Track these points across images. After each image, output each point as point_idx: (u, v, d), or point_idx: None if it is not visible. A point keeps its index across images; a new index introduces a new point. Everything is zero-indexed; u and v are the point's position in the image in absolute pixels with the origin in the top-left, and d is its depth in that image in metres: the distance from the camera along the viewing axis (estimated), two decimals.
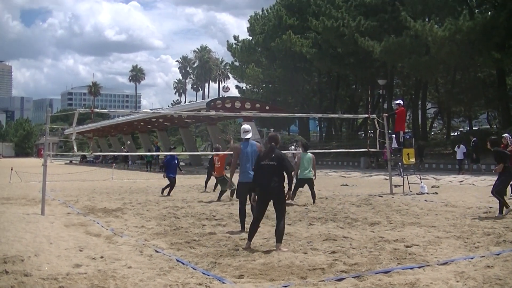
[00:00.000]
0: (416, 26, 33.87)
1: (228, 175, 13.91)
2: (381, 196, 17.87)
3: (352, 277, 6.78)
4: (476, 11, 35.77)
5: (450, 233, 10.03)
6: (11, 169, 27.64)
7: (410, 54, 36.26)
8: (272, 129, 77.15)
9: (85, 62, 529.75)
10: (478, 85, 41.81)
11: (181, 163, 22.59)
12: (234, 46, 59.75)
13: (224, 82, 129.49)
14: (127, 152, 56.41)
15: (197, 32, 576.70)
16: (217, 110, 37.59)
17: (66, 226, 11.51)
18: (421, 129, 46.29)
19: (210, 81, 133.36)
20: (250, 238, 9.00)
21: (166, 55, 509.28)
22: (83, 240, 9.69)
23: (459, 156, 30.87)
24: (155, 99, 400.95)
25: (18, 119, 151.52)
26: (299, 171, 15.97)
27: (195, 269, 7.38)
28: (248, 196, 10.21)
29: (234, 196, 15.63)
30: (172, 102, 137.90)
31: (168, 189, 19.40)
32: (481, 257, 7.87)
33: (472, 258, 7.80)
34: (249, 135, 10.97)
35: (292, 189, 9.12)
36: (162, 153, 47.71)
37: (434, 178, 26.50)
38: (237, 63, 62.95)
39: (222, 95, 51.45)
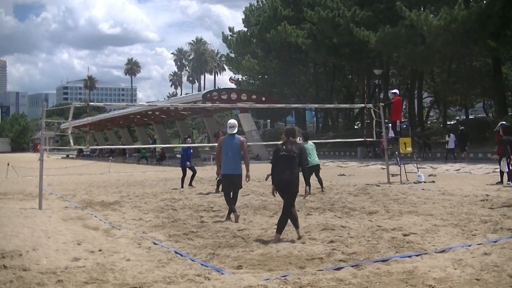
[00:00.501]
0: (411, 16, 33.82)
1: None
2: (379, 186, 17.91)
3: (351, 266, 6.80)
4: (471, 0, 35.74)
5: (448, 221, 10.06)
6: (8, 164, 27.62)
7: (405, 44, 36.22)
8: (269, 120, 77.49)
9: (80, 56, 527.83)
10: (474, 74, 41.83)
11: (177, 155, 22.58)
12: (229, 37, 59.60)
13: (220, 74, 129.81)
14: (125, 145, 56.33)
15: (192, 24, 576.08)
16: (213, 102, 37.53)
17: (64, 220, 11.50)
18: (417, 118, 46.29)
19: (205, 73, 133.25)
20: (296, 227, 8.95)
21: (161, 47, 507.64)
22: (81, 234, 9.69)
23: (450, 145, 31.10)
24: (151, 92, 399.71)
25: (13, 114, 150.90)
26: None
27: (193, 261, 7.39)
28: (229, 187, 11.04)
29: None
30: (168, 95, 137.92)
31: (190, 179, 19.52)
32: (478, 244, 7.90)
33: (469, 246, 7.83)
34: (234, 130, 11.29)
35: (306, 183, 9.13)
36: (159, 146, 47.81)
37: (431, 167, 26.54)
38: (232, 55, 62.86)
39: (218, 87, 51.38)
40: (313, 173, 16.15)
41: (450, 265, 6.77)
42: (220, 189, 16.02)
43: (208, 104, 35.08)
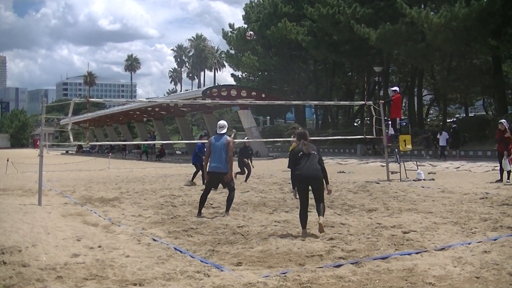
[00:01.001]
0: (412, 13, 33.78)
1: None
2: (378, 183, 17.91)
3: (350, 264, 6.79)
4: None
5: (447, 219, 10.06)
6: (7, 160, 27.60)
7: (406, 41, 36.20)
8: (269, 117, 77.45)
9: (79, 52, 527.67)
10: (474, 72, 41.76)
11: (177, 152, 22.54)
12: (229, 34, 59.57)
13: (220, 71, 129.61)
14: (125, 141, 56.34)
15: (191, 20, 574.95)
16: (213, 99, 37.53)
17: (63, 216, 11.50)
18: (417, 116, 46.29)
19: (205, 69, 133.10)
20: (304, 225, 9.02)
21: (161, 44, 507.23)
22: (80, 230, 9.68)
23: (442, 142, 31.25)
24: (151, 88, 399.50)
25: (13, 110, 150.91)
26: None
27: (193, 257, 7.38)
28: (211, 184, 11.37)
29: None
30: (168, 91, 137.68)
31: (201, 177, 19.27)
32: (478, 242, 7.91)
33: (469, 244, 7.83)
34: (223, 131, 11.51)
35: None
36: (158, 142, 47.81)
37: (430, 164, 26.55)
38: (232, 51, 62.80)
39: (217, 84, 51.24)
40: None
41: (449, 263, 6.76)
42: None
43: (208, 101, 35.11)
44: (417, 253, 7.33)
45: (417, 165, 20.77)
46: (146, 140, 51.43)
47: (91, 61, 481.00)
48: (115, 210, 12.48)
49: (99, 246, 8.13)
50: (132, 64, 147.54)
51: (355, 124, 54.72)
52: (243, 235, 8.94)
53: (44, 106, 14.88)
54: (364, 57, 46.27)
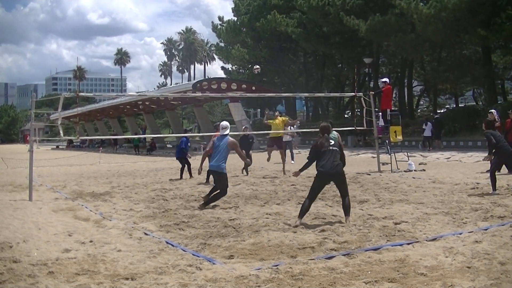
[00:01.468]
0: (401, 4, 33.75)
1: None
2: (369, 174, 17.96)
3: (342, 255, 6.81)
4: None
5: (438, 210, 10.09)
6: None
7: (395, 32, 36.17)
8: (259, 110, 77.38)
9: (68, 46, 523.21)
10: (464, 63, 41.87)
11: (168, 145, 22.38)
12: (219, 27, 59.32)
13: (210, 64, 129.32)
14: (115, 135, 56.17)
15: (181, 14, 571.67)
16: (203, 92, 37.46)
17: (54, 211, 11.47)
18: (407, 107, 46.36)
19: (195, 62, 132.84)
20: (301, 216, 9.17)
21: (150, 37, 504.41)
22: (71, 225, 9.67)
23: (427, 133, 31.49)
24: (141, 82, 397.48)
25: (2, 105, 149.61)
26: None
27: (185, 251, 7.39)
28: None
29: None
30: (158, 85, 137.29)
31: (189, 171, 19.19)
32: (469, 232, 7.94)
33: (460, 234, 7.87)
34: (226, 131, 11.88)
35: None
36: (149, 135, 47.73)
37: (421, 155, 26.63)
38: (222, 44, 62.55)
39: (208, 77, 51.13)
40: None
41: (441, 253, 6.79)
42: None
43: (198, 94, 35.05)
44: (408, 243, 7.36)
45: (408, 156, 20.81)
46: (137, 134, 51.25)
47: (81, 56, 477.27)
48: (106, 205, 12.46)
49: (91, 241, 8.12)
50: (121, 58, 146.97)
51: (345, 115, 54.84)
52: (234, 228, 8.94)
53: (33, 101, 14.80)
54: (354, 48, 46.29)
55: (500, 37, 33.17)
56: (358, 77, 50.57)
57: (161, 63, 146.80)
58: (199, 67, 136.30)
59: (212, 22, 61.18)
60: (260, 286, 5.77)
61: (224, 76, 63.02)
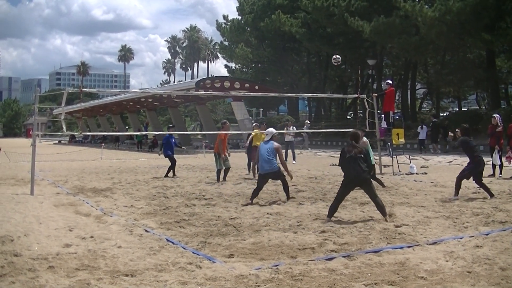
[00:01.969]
0: (406, 7, 33.75)
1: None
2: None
3: (342, 257, 6.81)
4: None
5: (439, 213, 10.08)
6: (0, 149, 27.49)
7: (399, 34, 36.15)
8: (262, 109, 77.38)
9: (72, 41, 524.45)
10: (467, 66, 41.80)
11: None
12: (223, 25, 59.30)
13: (213, 62, 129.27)
14: (118, 131, 56.18)
15: (185, 12, 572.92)
16: (206, 90, 37.37)
17: (56, 206, 11.48)
18: (410, 109, 46.33)
19: (199, 61, 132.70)
20: (329, 215, 9.57)
21: (154, 34, 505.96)
22: (72, 220, 9.68)
23: (422, 136, 31.53)
24: (144, 79, 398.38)
25: (6, 99, 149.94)
26: None
27: (185, 249, 7.39)
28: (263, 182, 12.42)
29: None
30: (161, 82, 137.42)
31: (171, 170, 19.00)
32: (470, 237, 7.93)
33: (461, 238, 7.86)
34: (268, 138, 12.76)
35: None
36: (151, 133, 47.71)
37: (423, 158, 26.59)
38: (226, 43, 62.56)
39: (211, 75, 50.97)
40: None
41: (441, 257, 6.79)
42: (221, 179, 16.79)
43: (201, 92, 34.99)
44: (409, 247, 7.35)
45: (410, 159, 20.80)
46: (139, 131, 51.25)
47: (84, 51, 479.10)
48: (108, 201, 12.48)
49: (91, 237, 8.14)
50: (125, 54, 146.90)
51: (348, 117, 54.75)
52: (235, 227, 8.95)
53: (37, 95, 14.83)
54: (357, 50, 46.26)
55: (505, 41, 33.14)
56: (361, 78, 50.57)
57: (165, 61, 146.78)
58: (202, 65, 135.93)
59: (217, 20, 61.10)
60: (259, 285, 5.77)
61: (227, 74, 63.00)
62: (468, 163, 12.56)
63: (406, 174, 18.50)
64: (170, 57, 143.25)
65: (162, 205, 11.62)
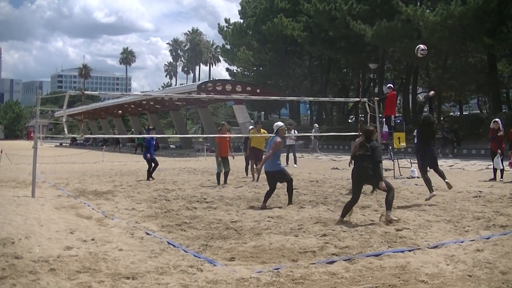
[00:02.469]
0: (408, 11, 33.81)
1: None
2: None
3: (343, 260, 6.81)
4: None
5: (440, 217, 10.08)
6: (1, 152, 27.51)
7: (401, 38, 36.19)
8: (263, 112, 77.35)
9: (74, 44, 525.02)
10: (469, 71, 41.81)
11: (171, 146, 22.28)
12: (225, 29, 59.41)
13: (215, 65, 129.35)
14: (118, 134, 56.22)
15: (187, 15, 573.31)
16: (208, 93, 37.43)
17: (57, 209, 11.49)
18: (411, 113, 46.34)
19: (201, 64, 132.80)
20: (342, 215, 9.71)
21: (156, 37, 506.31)
22: (74, 223, 9.68)
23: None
24: (145, 81, 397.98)
25: (7, 101, 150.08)
26: None
27: (186, 252, 7.40)
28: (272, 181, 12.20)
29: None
30: (163, 85, 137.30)
31: (152, 172, 19.01)
32: (471, 241, 7.92)
33: (462, 242, 7.85)
34: (274, 132, 12.61)
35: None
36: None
37: None
38: (228, 46, 62.59)
39: (213, 78, 50.98)
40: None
41: (442, 261, 6.78)
42: (221, 182, 16.85)
43: (203, 95, 35.04)
44: (410, 250, 7.35)
45: (411, 163, 20.77)
46: (140, 133, 51.28)
47: (86, 54, 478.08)
48: (109, 203, 12.49)
49: (92, 239, 8.14)
50: (127, 57, 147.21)
51: (349, 120, 54.72)
52: (236, 230, 8.95)
53: (39, 98, 14.83)
54: (359, 53, 46.32)
55: (506, 45, 33.19)
56: (363, 82, 50.61)
57: (167, 63, 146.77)
58: (204, 68, 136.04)
59: (219, 24, 61.20)
60: None
61: (229, 78, 63.07)
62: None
63: (407, 178, 18.51)
64: (172, 60, 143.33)
65: (163, 208, 11.62)
